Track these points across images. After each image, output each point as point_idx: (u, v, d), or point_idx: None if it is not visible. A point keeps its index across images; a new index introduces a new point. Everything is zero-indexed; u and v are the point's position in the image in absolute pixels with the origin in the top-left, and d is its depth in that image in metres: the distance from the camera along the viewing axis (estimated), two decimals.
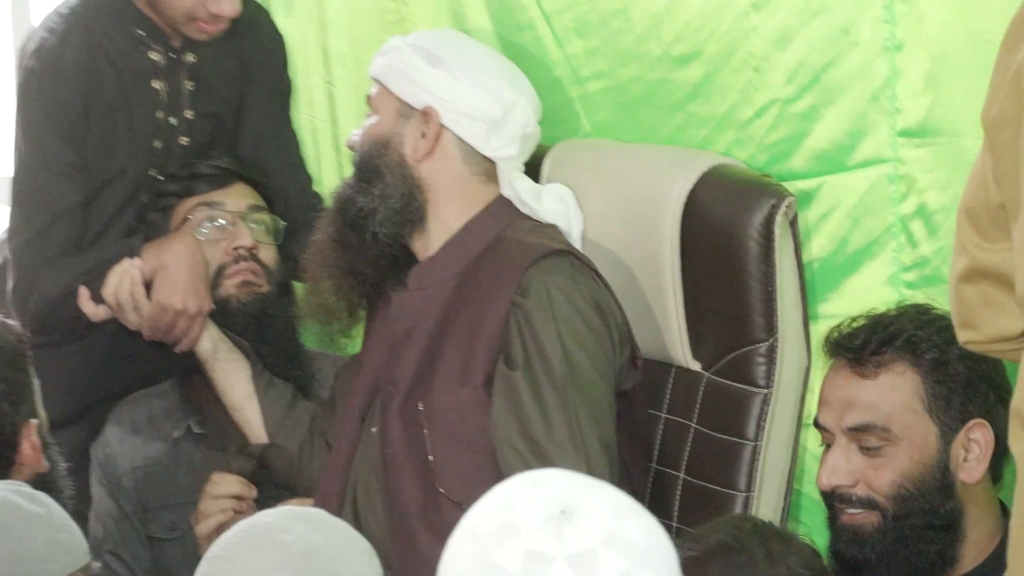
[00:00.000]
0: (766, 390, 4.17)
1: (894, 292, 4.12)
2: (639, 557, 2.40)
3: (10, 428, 3.93)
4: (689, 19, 4.28)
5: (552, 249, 4.15)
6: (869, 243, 4.14)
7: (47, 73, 4.79)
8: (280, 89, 5.09)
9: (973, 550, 3.89)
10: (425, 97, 4.22)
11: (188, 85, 4.88)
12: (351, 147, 4.37)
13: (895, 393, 3.80)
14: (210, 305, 4.64)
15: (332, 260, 4.36)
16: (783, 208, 4.12)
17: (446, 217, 4.25)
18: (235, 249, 4.66)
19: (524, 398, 4.08)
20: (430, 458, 4.14)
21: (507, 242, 4.24)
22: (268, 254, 4.75)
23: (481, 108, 4.24)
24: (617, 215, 4.38)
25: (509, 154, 4.25)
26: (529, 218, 4.30)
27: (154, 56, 4.77)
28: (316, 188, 5.10)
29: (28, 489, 3.55)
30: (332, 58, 5.10)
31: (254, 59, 5.03)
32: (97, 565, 3.61)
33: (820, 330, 4.19)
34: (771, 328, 4.18)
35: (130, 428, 4.85)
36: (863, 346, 3.82)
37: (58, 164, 4.86)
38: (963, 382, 3.80)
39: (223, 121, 5.00)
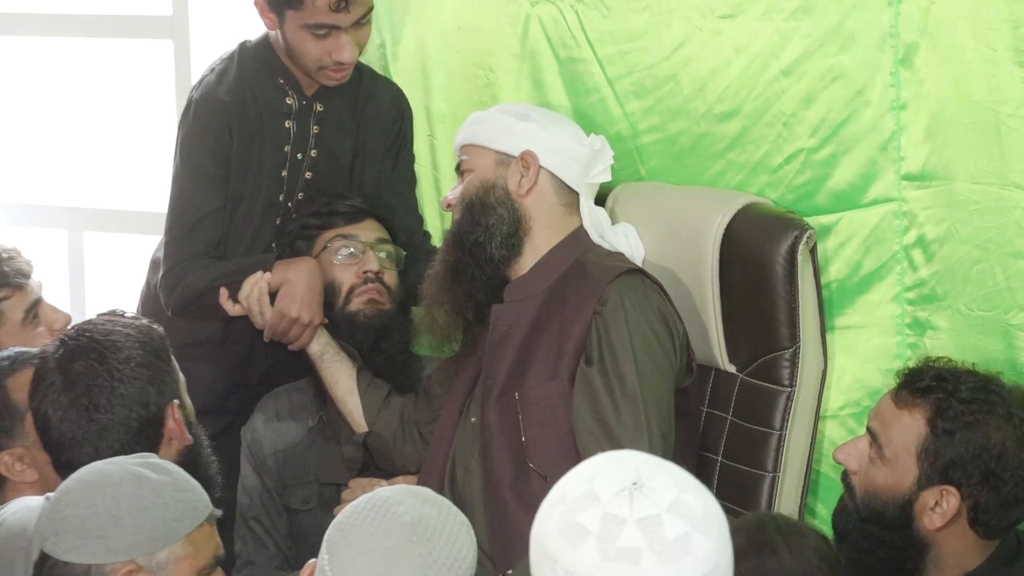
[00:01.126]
0: (790, 388, 4.26)
1: (898, 307, 4.23)
2: (697, 522, 2.47)
3: (157, 409, 3.97)
4: (729, 83, 4.39)
5: (628, 268, 4.21)
6: (878, 267, 4.24)
7: (204, 101, 4.92)
8: (399, 144, 5.12)
9: (942, 573, 3.88)
10: (522, 144, 4.27)
11: (314, 128, 4.96)
12: (448, 206, 4.42)
13: (904, 429, 3.78)
14: (321, 319, 4.72)
15: (450, 287, 4.39)
16: (804, 239, 4.22)
17: (538, 242, 4.30)
18: (364, 273, 4.73)
19: (599, 391, 4.13)
20: (523, 439, 4.19)
21: (589, 264, 4.28)
22: (391, 278, 4.80)
23: (572, 149, 4.29)
24: (668, 244, 4.43)
25: (606, 178, 4.35)
26: (600, 246, 4.36)
27: (289, 101, 4.88)
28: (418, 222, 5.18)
29: (155, 459, 3.63)
30: (433, 116, 5.07)
31: (373, 118, 5.06)
32: (218, 512, 3.63)
33: (836, 339, 4.36)
34: (794, 337, 4.27)
35: (274, 416, 4.94)
36: (908, 383, 3.81)
37: (205, 175, 4.97)
38: (957, 454, 3.74)
39: (340, 163, 5.05)
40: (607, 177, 4.37)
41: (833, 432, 4.37)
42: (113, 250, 5.29)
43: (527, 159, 4.26)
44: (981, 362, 4.00)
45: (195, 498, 3.52)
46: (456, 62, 4.96)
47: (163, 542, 3.42)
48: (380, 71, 5.14)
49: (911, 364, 3.89)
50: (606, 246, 4.36)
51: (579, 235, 4.33)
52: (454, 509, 3.30)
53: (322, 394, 4.87)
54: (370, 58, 5.09)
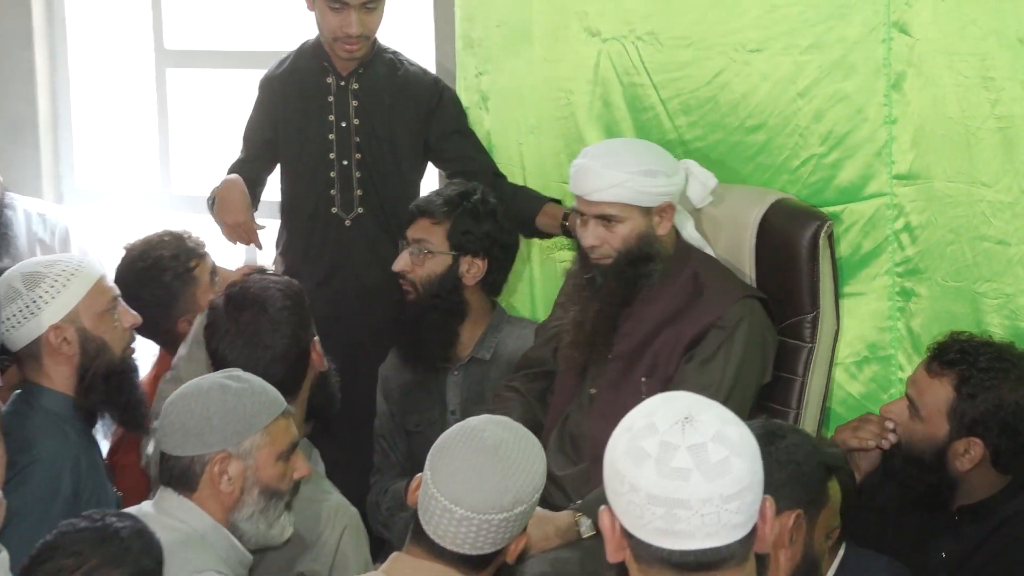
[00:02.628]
0: (811, 344, 4.33)
1: (889, 279, 4.32)
2: (735, 449, 2.47)
3: (305, 344, 4.10)
4: (757, 103, 4.47)
5: (749, 293, 4.29)
6: (874, 248, 4.34)
7: (262, 81, 5.21)
8: (439, 113, 5.08)
9: (968, 499, 3.86)
10: (658, 198, 4.21)
11: (353, 103, 5.07)
12: (592, 247, 4.27)
13: (936, 394, 3.81)
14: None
15: (600, 312, 4.31)
16: (825, 228, 4.31)
17: (664, 257, 4.29)
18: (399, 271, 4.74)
19: (689, 382, 4.13)
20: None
21: (706, 278, 4.29)
22: (418, 273, 4.69)
23: (681, 183, 4.28)
24: (713, 231, 4.49)
25: (708, 200, 4.38)
26: (699, 252, 4.39)
27: (329, 80, 5.06)
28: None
29: (237, 372, 3.72)
30: (523, 128, 5.00)
31: (408, 97, 5.08)
32: (291, 409, 3.73)
33: (844, 304, 4.41)
34: (815, 305, 4.34)
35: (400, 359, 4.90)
36: (937, 356, 3.85)
37: (261, 131, 5.20)
38: (979, 412, 3.76)
39: (378, 132, 5.08)
40: (709, 199, 4.39)
41: (840, 376, 4.43)
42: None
43: (668, 210, 4.26)
44: (953, 323, 4.07)
45: (269, 399, 3.62)
46: (542, 86, 4.94)
47: (245, 434, 3.55)
48: (479, 97, 5.11)
49: (939, 340, 3.89)
50: (702, 247, 4.41)
51: (680, 243, 4.35)
52: (530, 435, 3.36)
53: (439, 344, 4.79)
54: (470, 84, 5.11)
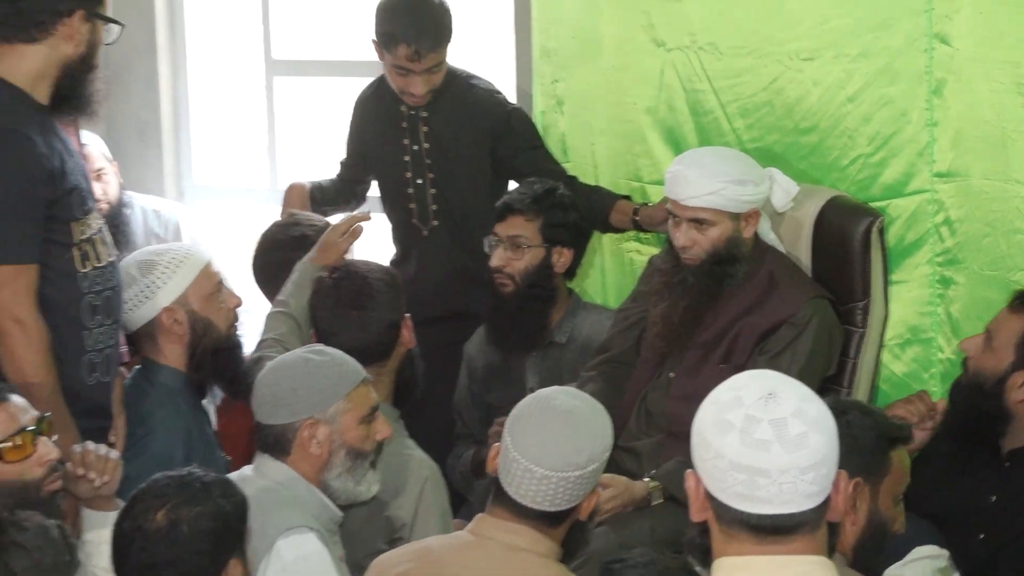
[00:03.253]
0: (862, 329, 4.33)
1: (930, 268, 4.29)
2: (812, 424, 2.48)
3: (397, 320, 4.18)
4: (809, 107, 4.45)
5: (820, 294, 4.27)
6: (916, 239, 4.32)
7: (359, 99, 5.26)
8: (507, 131, 5.02)
9: (1018, 443, 3.89)
10: (746, 204, 4.20)
11: (423, 129, 5.05)
12: (684, 248, 4.25)
13: (1011, 327, 3.84)
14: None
15: (696, 291, 4.27)
16: (876, 224, 4.31)
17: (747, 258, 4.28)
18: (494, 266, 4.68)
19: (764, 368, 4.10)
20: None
21: (780, 277, 4.29)
22: (514, 267, 4.64)
23: (765, 191, 4.26)
24: (775, 226, 4.45)
25: (790, 206, 4.35)
26: (774, 251, 4.38)
27: (402, 108, 5.04)
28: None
29: (318, 347, 3.82)
30: (594, 131, 4.98)
31: (476, 118, 5.03)
32: (370, 377, 3.76)
33: (889, 291, 4.38)
34: (866, 293, 4.34)
35: (486, 339, 4.87)
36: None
37: (354, 143, 5.28)
38: None
39: (448, 153, 5.06)
40: (791, 205, 4.36)
41: (885, 357, 4.40)
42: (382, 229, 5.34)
43: (753, 216, 4.26)
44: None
45: (349, 368, 3.69)
46: (611, 92, 4.93)
47: (329, 401, 3.62)
48: (555, 102, 5.10)
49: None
50: (777, 246, 4.40)
51: (758, 242, 4.34)
52: (595, 402, 3.44)
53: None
54: (547, 90, 5.10)
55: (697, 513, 2.58)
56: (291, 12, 6.33)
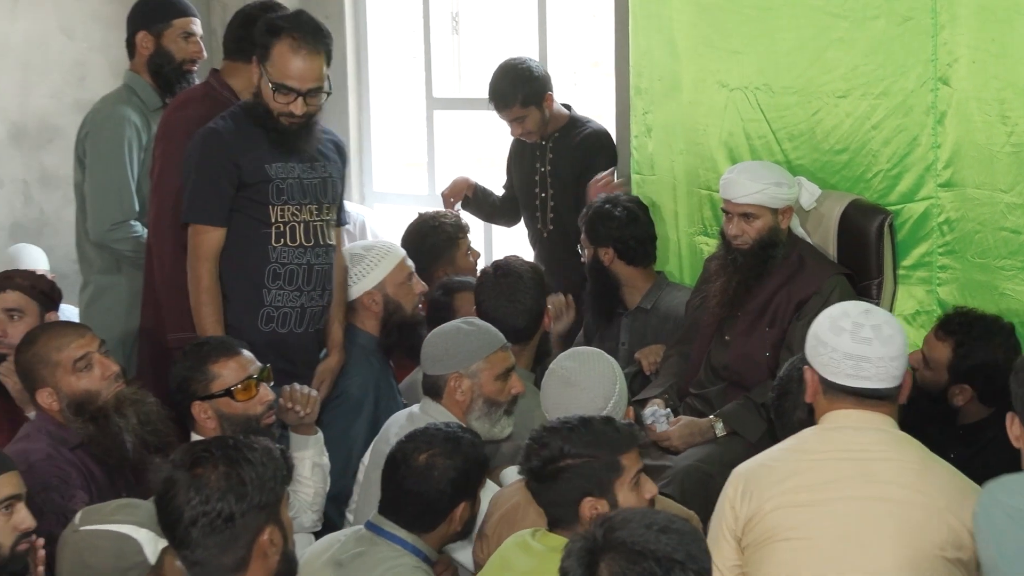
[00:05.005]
0: (876, 300, 4.26)
1: (932, 257, 4.23)
2: (897, 329, 2.86)
3: (541, 307, 4.18)
4: (842, 133, 4.40)
5: (840, 271, 4.24)
6: (924, 234, 4.25)
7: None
8: (602, 158, 5.08)
9: (967, 420, 3.83)
10: (783, 202, 4.21)
11: (549, 155, 5.13)
12: (735, 236, 4.24)
13: (940, 353, 3.84)
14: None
15: (746, 275, 4.24)
16: (887, 220, 4.29)
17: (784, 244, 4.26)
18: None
19: (801, 336, 3.82)
20: (766, 353, 4.16)
21: (808, 259, 4.25)
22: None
23: (796, 193, 4.28)
24: (810, 223, 4.44)
25: (814, 205, 4.36)
26: (802, 240, 4.34)
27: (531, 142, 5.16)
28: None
29: (470, 318, 3.87)
30: (674, 152, 4.88)
31: (584, 150, 5.09)
32: (508, 344, 3.78)
33: (902, 274, 4.33)
34: (880, 272, 4.31)
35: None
36: (942, 326, 3.87)
37: (508, 171, 5.38)
38: (969, 367, 3.78)
39: (562, 177, 5.10)
40: (814, 204, 4.35)
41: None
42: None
43: (788, 212, 4.25)
44: (977, 288, 4.06)
45: (491, 337, 3.72)
46: (687, 121, 4.87)
47: (471, 361, 3.68)
48: (646, 128, 4.99)
49: (939, 313, 4.01)
50: (804, 237, 4.37)
51: (791, 233, 4.31)
52: (592, 354, 3.49)
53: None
54: (639, 120, 4.99)
55: (811, 395, 2.91)
56: (447, 59, 6.33)
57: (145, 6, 4.71)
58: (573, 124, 5.17)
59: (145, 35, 4.64)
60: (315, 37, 3.91)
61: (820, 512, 2.76)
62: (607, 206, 4.74)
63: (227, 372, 3.54)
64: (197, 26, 4.72)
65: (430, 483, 3.12)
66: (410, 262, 4.36)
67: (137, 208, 4.59)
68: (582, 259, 4.83)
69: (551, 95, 5.10)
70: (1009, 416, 2.74)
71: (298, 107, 3.89)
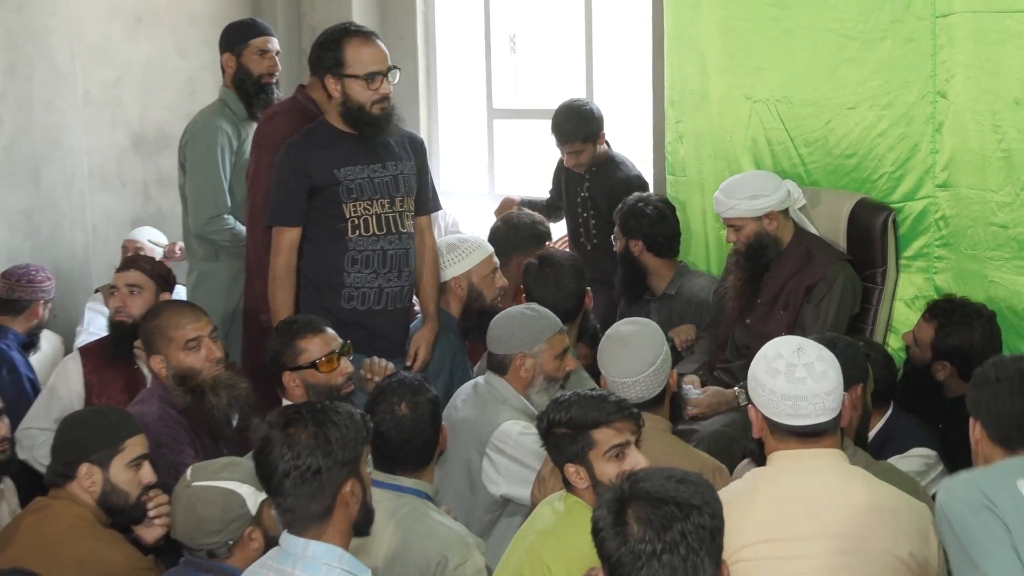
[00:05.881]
0: (880, 287, 4.29)
1: (931, 249, 4.21)
2: (829, 364, 2.54)
3: (583, 291, 4.12)
4: (851, 140, 4.39)
5: (843, 258, 4.22)
6: (923, 228, 4.24)
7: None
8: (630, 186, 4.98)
9: (952, 394, 3.77)
10: (762, 209, 4.18)
11: (586, 183, 5.09)
12: (731, 242, 4.28)
13: (926, 334, 3.86)
14: None
15: (748, 272, 4.26)
16: (891, 216, 4.28)
17: (783, 240, 4.25)
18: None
19: (811, 316, 4.12)
20: (782, 333, 3.82)
21: (815, 250, 4.22)
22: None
23: (782, 198, 4.22)
24: (820, 219, 4.40)
25: (801, 203, 4.32)
26: (809, 233, 4.30)
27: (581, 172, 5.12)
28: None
29: (533, 305, 3.79)
30: (704, 156, 4.87)
31: (615, 180, 5.03)
32: (565, 327, 3.69)
33: (903, 263, 4.30)
34: (884, 261, 4.30)
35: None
36: (930, 310, 3.89)
37: (554, 183, 5.30)
38: (950, 347, 3.77)
39: (602, 207, 5.03)
40: (803, 201, 4.32)
41: (901, 308, 4.31)
42: None
43: (771, 216, 4.21)
44: (969, 277, 4.04)
45: (551, 322, 3.66)
46: (715, 130, 4.84)
47: (534, 342, 3.61)
48: (678, 136, 4.96)
49: (934, 298, 3.97)
50: (810, 229, 4.33)
51: (798, 229, 4.28)
52: (647, 324, 3.46)
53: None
54: (672, 128, 4.96)
55: (757, 432, 2.65)
56: (505, 75, 6.32)
57: (228, 31, 4.79)
58: (610, 161, 5.12)
59: (229, 56, 4.73)
60: (367, 29, 4.04)
61: (782, 568, 2.51)
62: (640, 204, 4.71)
63: (312, 347, 3.55)
64: (272, 43, 4.76)
65: (418, 424, 3.06)
66: (496, 260, 4.33)
67: (229, 204, 4.67)
68: (614, 249, 4.81)
69: (603, 134, 5.08)
70: (971, 420, 2.66)
71: (386, 86, 3.95)
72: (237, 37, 4.75)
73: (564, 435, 2.84)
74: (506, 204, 5.25)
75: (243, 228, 4.60)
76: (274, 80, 4.76)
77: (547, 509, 2.86)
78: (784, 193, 4.27)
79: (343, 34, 3.97)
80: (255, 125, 4.61)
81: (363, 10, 6.10)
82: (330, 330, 3.63)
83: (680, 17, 4.85)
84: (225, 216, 4.67)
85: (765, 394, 2.57)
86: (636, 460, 2.83)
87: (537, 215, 4.95)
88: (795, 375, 2.53)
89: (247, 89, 4.71)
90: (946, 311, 3.87)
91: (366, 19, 5.94)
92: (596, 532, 2.07)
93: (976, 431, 2.65)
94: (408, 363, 4.07)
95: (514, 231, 4.74)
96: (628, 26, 5.79)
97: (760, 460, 2.67)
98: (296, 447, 2.45)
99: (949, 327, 3.82)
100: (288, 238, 4.03)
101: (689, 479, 2.10)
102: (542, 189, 5.54)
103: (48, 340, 5.19)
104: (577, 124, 5.01)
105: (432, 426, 3.11)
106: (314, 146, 4.02)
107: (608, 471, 2.78)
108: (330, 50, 3.95)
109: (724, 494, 2.50)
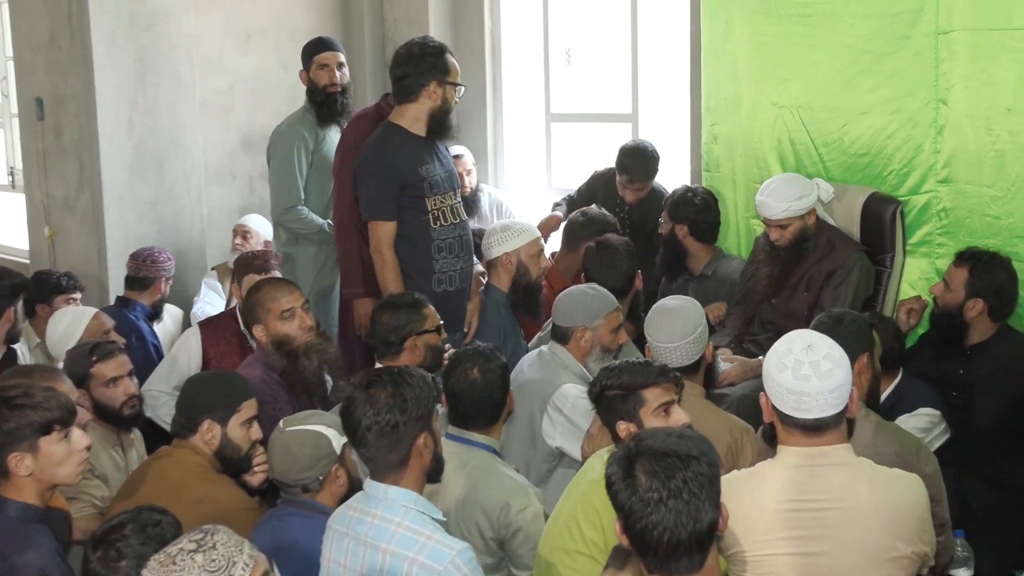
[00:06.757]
0: (889, 269, 4.25)
1: (933, 236, 4.18)
2: (836, 363, 2.41)
3: (634, 272, 4.04)
4: (864, 141, 4.33)
5: (860, 248, 4.18)
6: (926, 219, 4.21)
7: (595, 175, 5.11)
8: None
9: (974, 340, 3.77)
10: (807, 207, 4.16)
11: (626, 205, 4.96)
12: (776, 239, 4.20)
13: (959, 276, 3.77)
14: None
15: (786, 261, 4.19)
16: (899, 208, 4.23)
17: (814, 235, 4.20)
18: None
19: (830, 298, 4.09)
20: (804, 312, 4.06)
21: (836, 240, 4.17)
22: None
23: (816, 195, 4.18)
24: (837, 211, 4.36)
25: (829, 199, 4.28)
26: (830, 225, 4.25)
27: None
28: None
29: (593, 285, 3.70)
30: (735, 155, 4.77)
31: (651, 201, 4.91)
32: (619, 306, 3.61)
33: (909, 249, 4.25)
34: (892, 247, 4.25)
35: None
36: (960, 256, 3.80)
37: (589, 189, 5.12)
38: (981, 286, 3.70)
39: (636, 223, 4.91)
40: (832, 196, 4.28)
41: (904, 287, 4.26)
42: None
43: (812, 212, 4.18)
44: None
45: (608, 300, 3.63)
46: (746, 132, 4.77)
47: (594, 318, 3.58)
48: (713, 137, 4.86)
49: (961, 249, 3.83)
50: (830, 221, 4.29)
51: (819, 220, 4.24)
52: (689, 300, 3.41)
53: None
54: (708, 131, 4.85)
55: (768, 417, 2.51)
56: (562, 83, 6.26)
57: (302, 50, 4.84)
58: (652, 191, 5.05)
59: (303, 71, 4.79)
60: None
61: (790, 564, 2.40)
62: (688, 194, 4.68)
63: (431, 315, 3.56)
64: (333, 57, 4.75)
65: (487, 387, 3.06)
66: (543, 243, 4.29)
67: (303, 197, 4.68)
68: (659, 231, 4.74)
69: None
70: None
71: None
72: (306, 54, 4.81)
73: (617, 396, 2.80)
74: (550, 224, 5.13)
75: (316, 217, 4.66)
76: (338, 89, 4.75)
77: (597, 461, 2.84)
78: (816, 191, 4.26)
79: (443, 47, 4.02)
80: (331, 128, 4.67)
81: (439, 27, 6.10)
82: (431, 307, 3.64)
83: (715, 33, 4.83)
84: (299, 207, 4.72)
85: (774, 386, 2.44)
86: (679, 416, 2.79)
87: (609, 214, 4.83)
88: (801, 372, 2.39)
89: (316, 99, 4.76)
90: (976, 255, 3.79)
91: (442, 35, 5.94)
92: (610, 486, 2.06)
93: None
94: (465, 329, 4.11)
95: (589, 222, 4.69)
96: (669, 40, 5.74)
97: (772, 442, 2.55)
98: (377, 405, 2.45)
99: (981, 267, 3.74)
100: (387, 231, 4.04)
101: (687, 435, 2.08)
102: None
103: (169, 313, 5.29)
104: (647, 167, 4.93)
105: (500, 389, 3.09)
106: (399, 147, 4.05)
107: (656, 426, 2.75)
108: (439, 57, 3.99)
109: (736, 477, 2.49)
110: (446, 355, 3.52)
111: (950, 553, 2.94)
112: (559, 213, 5.13)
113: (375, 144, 4.07)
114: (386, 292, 3.98)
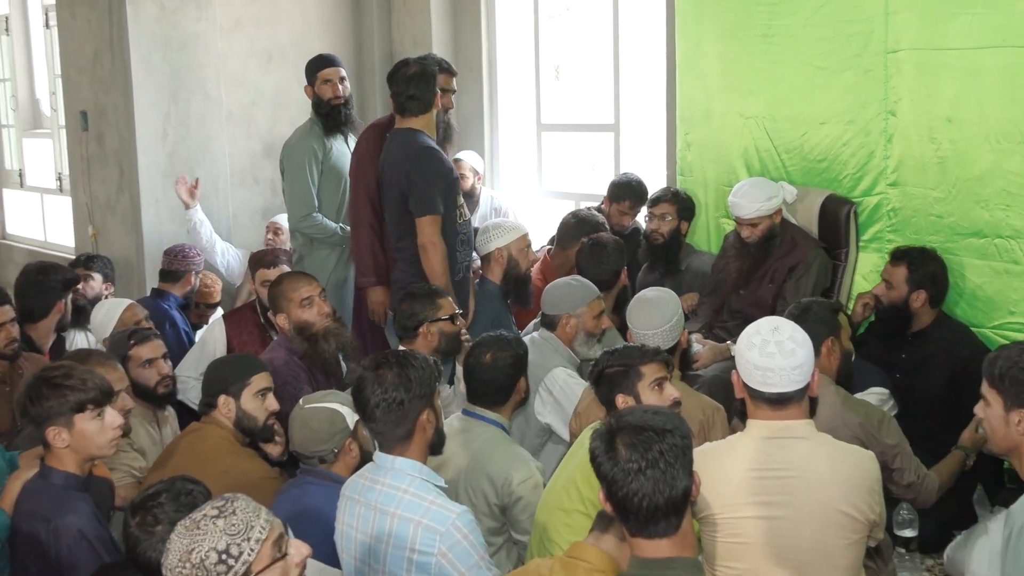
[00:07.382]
0: (844, 263, 4.23)
1: (884, 234, 4.17)
2: (799, 343, 2.39)
3: (620, 267, 4.04)
4: (822, 148, 4.31)
5: (819, 245, 4.16)
6: (878, 218, 4.19)
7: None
8: None
9: (916, 327, 3.72)
10: (774, 207, 4.13)
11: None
12: (747, 237, 4.13)
13: (898, 274, 3.76)
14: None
15: (754, 256, 4.16)
16: (853, 208, 4.20)
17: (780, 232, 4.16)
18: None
19: (792, 289, 4.07)
20: (768, 302, 4.06)
21: (798, 237, 4.15)
22: (664, 230, 4.52)
23: (781, 197, 4.16)
24: (798, 212, 4.35)
25: (792, 200, 4.25)
26: (792, 223, 4.23)
27: None
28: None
29: (577, 277, 3.67)
30: (706, 162, 4.75)
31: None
32: (601, 294, 3.58)
33: (862, 245, 4.22)
34: (846, 243, 4.22)
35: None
36: (896, 255, 3.79)
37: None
38: (919, 279, 3.68)
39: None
40: (795, 196, 4.24)
41: (860, 281, 4.24)
42: None
43: (779, 214, 4.15)
44: None
45: (590, 290, 3.61)
46: (717, 142, 4.73)
47: (577, 306, 3.57)
48: (687, 144, 4.79)
49: (893, 249, 3.85)
50: (792, 220, 4.27)
51: (783, 219, 4.22)
52: (667, 291, 3.36)
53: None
54: (682, 140, 4.81)
55: (739, 392, 2.48)
56: (551, 97, 6.22)
57: (305, 68, 4.75)
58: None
59: (307, 87, 4.71)
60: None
61: (757, 527, 2.39)
62: (686, 196, 4.65)
63: (446, 304, 3.51)
64: (335, 73, 4.66)
65: (497, 370, 3.05)
66: (530, 239, 4.26)
67: (316, 204, 4.61)
68: (651, 227, 4.58)
69: None
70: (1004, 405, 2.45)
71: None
72: (310, 71, 4.74)
73: (617, 372, 2.78)
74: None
75: (329, 222, 4.61)
76: (341, 101, 4.69)
77: (590, 432, 2.84)
78: (781, 193, 4.24)
79: (437, 63, 4.07)
80: (336, 138, 4.63)
81: (441, 47, 6.08)
82: (449, 297, 3.63)
83: (688, 51, 4.82)
84: (314, 214, 4.62)
85: (743, 363, 2.42)
86: (671, 392, 2.78)
87: (598, 214, 4.78)
88: (767, 350, 2.37)
89: (322, 111, 4.70)
90: (908, 252, 3.79)
91: (443, 54, 5.89)
92: (594, 459, 2.05)
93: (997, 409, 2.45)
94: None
95: (581, 223, 4.65)
96: (647, 58, 5.69)
97: (743, 418, 2.52)
98: (384, 384, 2.46)
99: (917, 262, 3.73)
100: (439, 223, 3.97)
101: (661, 411, 2.07)
102: (580, 188, 5.40)
103: (233, 252, 5.43)
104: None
105: (508, 375, 3.06)
106: (440, 150, 4.05)
107: (651, 399, 2.74)
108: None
109: (709, 448, 2.49)
110: (464, 340, 3.50)
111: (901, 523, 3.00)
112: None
113: (422, 149, 3.96)
114: (434, 278, 3.91)
